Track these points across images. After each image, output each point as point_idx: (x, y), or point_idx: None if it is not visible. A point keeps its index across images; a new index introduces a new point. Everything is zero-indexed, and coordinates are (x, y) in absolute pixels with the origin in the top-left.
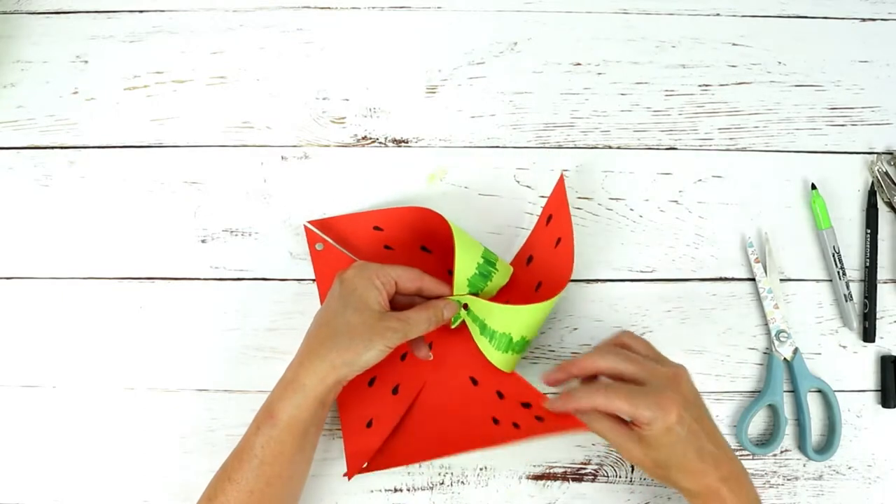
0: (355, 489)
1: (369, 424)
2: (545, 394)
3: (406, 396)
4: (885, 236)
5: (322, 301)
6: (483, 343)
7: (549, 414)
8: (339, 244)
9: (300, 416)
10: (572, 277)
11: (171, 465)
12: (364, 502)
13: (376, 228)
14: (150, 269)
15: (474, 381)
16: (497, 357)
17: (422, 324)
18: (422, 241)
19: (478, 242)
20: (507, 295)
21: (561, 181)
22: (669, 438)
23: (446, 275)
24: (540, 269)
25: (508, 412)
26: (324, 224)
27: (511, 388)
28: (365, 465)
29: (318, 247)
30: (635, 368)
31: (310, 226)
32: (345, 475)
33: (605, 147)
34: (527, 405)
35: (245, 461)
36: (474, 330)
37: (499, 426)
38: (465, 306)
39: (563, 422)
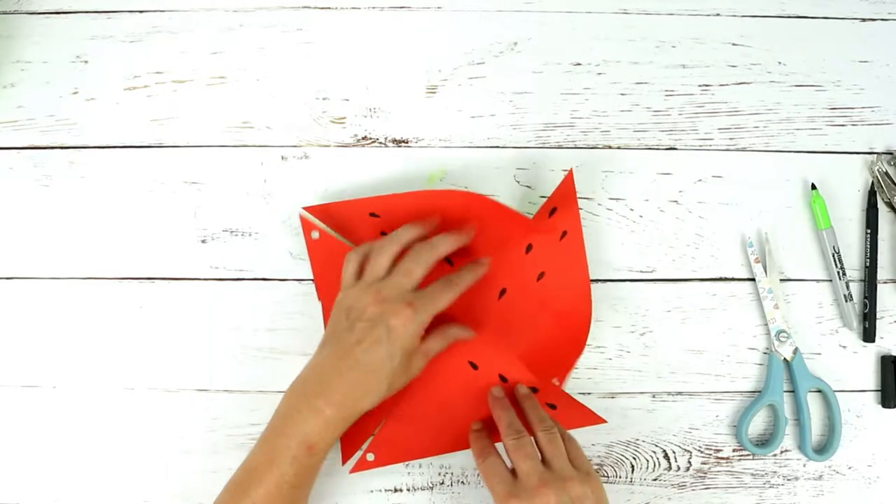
0: (355, 489)
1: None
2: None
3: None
4: (885, 236)
5: (319, 294)
6: None
7: (563, 402)
8: (336, 231)
9: (333, 445)
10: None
11: (171, 465)
12: (364, 502)
13: (372, 215)
14: (150, 269)
15: (474, 366)
16: None
17: (436, 345)
18: None
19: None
20: (505, 282)
21: (570, 176)
22: None
23: (443, 261)
24: (542, 260)
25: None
26: (320, 210)
27: (514, 373)
28: (371, 460)
29: (314, 235)
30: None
31: (304, 213)
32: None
33: (605, 147)
34: (534, 390)
35: (274, 486)
36: None
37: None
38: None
39: (579, 414)
